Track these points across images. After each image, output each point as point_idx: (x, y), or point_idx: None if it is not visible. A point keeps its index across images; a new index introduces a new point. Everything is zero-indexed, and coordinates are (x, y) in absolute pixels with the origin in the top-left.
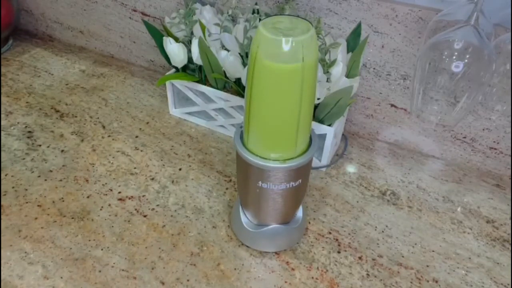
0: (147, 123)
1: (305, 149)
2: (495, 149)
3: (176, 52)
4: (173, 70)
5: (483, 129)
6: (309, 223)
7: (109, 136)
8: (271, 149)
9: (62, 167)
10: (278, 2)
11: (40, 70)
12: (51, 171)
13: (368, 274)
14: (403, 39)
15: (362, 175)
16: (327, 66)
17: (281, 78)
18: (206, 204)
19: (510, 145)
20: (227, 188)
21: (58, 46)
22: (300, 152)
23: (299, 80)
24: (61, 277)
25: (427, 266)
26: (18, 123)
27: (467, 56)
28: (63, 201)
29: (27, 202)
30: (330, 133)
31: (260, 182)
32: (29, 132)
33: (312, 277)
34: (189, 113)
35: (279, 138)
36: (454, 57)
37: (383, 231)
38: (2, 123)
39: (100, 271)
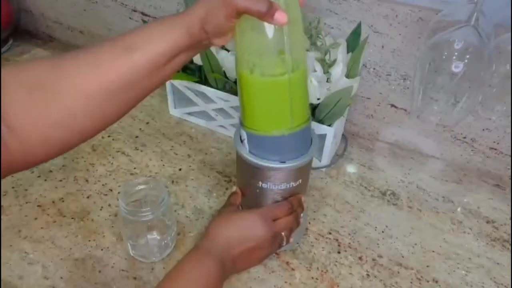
0: (147, 123)
1: (303, 120)
2: (495, 149)
3: None
4: None
5: (483, 129)
6: (309, 223)
7: (109, 136)
8: (267, 117)
9: (62, 167)
10: None
11: None
12: (51, 171)
13: (368, 274)
14: (403, 39)
15: (362, 175)
16: (327, 66)
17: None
18: (206, 204)
19: (510, 145)
20: (227, 188)
21: (58, 46)
22: (298, 122)
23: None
24: (61, 277)
25: (427, 266)
26: None
27: (467, 56)
28: (63, 201)
29: (27, 202)
30: (330, 133)
31: (260, 182)
32: None
33: (312, 277)
34: (189, 113)
35: (273, 101)
36: (454, 58)
37: (383, 231)
38: None
39: (100, 271)
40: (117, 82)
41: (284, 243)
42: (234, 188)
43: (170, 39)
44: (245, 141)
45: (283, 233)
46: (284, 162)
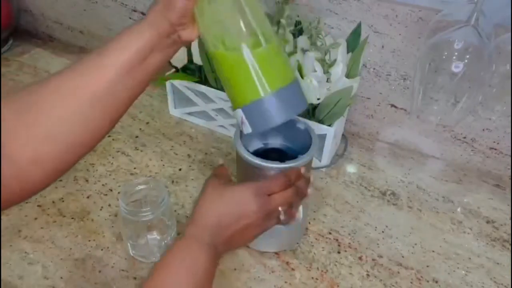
0: (147, 123)
1: (292, 74)
2: (495, 149)
3: None
4: (173, 70)
5: (483, 129)
6: (309, 223)
7: (109, 136)
8: (256, 81)
9: None
10: (278, 2)
11: (40, 70)
12: None
13: (368, 274)
14: (403, 39)
15: (362, 175)
16: (327, 66)
17: None
18: None
19: (510, 145)
20: None
21: (58, 46)
22: (288, 75)
23: None
24: (61, 277)
25: (427, 266)
26: None
27: (467, 56)
28: (63, 201)
29: (27, 202)
30: (330, 133)
31: None
32: None
33: (312, 277)
34: (189, 113)
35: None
36: (454, 58)
37: (383, 231)
38: None
39: (100, 271)
40: (101, 87)
41: (286, 218)
42: (221, 161)
43: (138, 38)
44: (244, 120)
45: (280, 209)
46: (285, 152)
